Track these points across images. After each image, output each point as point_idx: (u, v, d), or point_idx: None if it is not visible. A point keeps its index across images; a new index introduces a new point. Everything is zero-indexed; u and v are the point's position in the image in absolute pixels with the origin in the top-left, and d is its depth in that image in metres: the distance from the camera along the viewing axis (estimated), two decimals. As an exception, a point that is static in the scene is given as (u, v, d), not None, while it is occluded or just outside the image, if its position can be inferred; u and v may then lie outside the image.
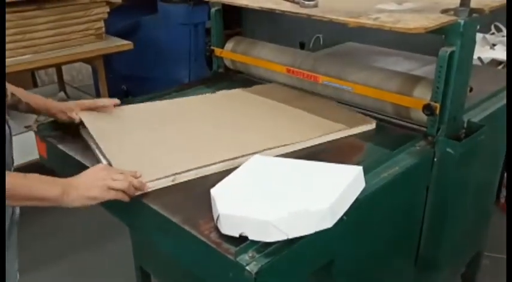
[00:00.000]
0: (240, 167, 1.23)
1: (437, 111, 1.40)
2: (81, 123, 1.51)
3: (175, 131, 1.52)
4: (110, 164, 1.30)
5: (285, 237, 0.99)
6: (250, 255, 0.98)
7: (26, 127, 1.77)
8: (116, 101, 1.61)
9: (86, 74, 4.62)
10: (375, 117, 1.61)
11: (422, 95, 1.45)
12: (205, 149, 1.40)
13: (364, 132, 1.55)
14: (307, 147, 1.45)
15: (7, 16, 2.33)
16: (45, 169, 1.40)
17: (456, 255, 1.76)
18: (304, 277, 1.14)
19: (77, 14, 2.72)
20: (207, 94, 1.83)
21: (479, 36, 2.82)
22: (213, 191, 1.11)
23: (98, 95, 3.16)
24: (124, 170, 1.22)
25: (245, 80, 1.99)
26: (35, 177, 1.17)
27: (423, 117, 1.45)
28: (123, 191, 1.17)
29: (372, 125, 1.58)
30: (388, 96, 1.53)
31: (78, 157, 1.41)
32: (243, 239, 1.01)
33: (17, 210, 1.49)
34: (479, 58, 2.77)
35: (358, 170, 1.17)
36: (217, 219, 1.05)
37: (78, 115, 1.52)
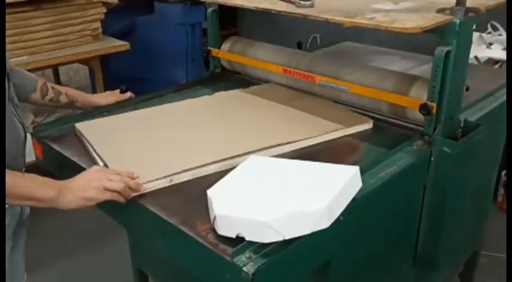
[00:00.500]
0: (237, 168, 1.23)
1: (434, 111, 1.40)
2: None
3: (173, 133, 1.52)
4: (106, 166, 1.30)
5: (281, 238, 0.99)
6: (247, 256, 0.98)
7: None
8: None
9: (83, 75, 4.61)
10: (371, 117, 1.61)
11: (419, 94, 1.45)
12: (202, 149, 1.40)
13: (360, 132, 1.55)
14: (304, 147, 1.45)
15: (4, 17, 2.33)
16: (42, 170, 1.40)
17: (454, 254, 1.76)
18: (302, 278, 1.14)
19: (74, 14, 2.72)
20: (205, 96, 1.83)
21: (475, 35, 2.82)
22: (210, 192, 1.11)
23: (95, 96, 3.15)
24: (121, 171, 1.22)
25: (242, 80, 1.99)
26: (32, 177, 1.17)
27: (420, 116, 1.45)
28: (119, 192, 1.17)
29: (368, 125, 1.58)
30: (384, 95, 1.53)
31: (74, 158, 1.41)
32: (240, 239, 1.01)
33: (26, 211, 1.49)
34: (475, 57, 2.77)
35: (354, 169, 1.17)
36: (214, 220, 1.05)
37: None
